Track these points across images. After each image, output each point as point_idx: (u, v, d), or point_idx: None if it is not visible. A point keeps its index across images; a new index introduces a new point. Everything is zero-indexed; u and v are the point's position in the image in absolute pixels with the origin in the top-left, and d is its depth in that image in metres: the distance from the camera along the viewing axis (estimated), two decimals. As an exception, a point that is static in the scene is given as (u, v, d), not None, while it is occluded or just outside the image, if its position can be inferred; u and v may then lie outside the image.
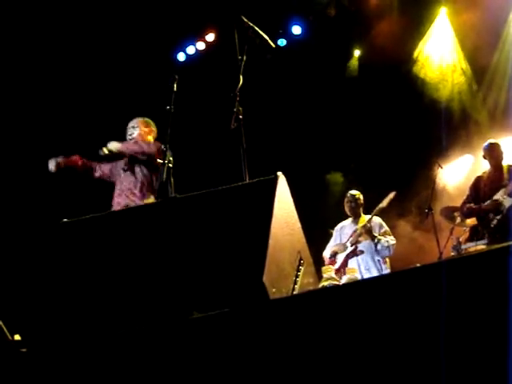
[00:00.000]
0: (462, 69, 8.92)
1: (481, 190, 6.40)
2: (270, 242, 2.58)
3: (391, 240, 6.66)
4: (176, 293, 2.56)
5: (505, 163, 6.45)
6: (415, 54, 9.11)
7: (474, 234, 6.57)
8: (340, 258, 6.59)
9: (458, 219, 6.75)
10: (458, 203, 6.69)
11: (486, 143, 6.59)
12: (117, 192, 5.31)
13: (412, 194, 8.25)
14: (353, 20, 9.25)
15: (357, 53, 9.81)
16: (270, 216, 2.65)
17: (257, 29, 4.00)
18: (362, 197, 6.90)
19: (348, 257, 6.53)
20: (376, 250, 6.63)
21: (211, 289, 2.52)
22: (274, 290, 2.49)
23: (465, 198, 6.50)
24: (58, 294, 2.76)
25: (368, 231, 6.64)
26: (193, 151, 8.11)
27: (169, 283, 2.60)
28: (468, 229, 6.78)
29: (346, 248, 6.65)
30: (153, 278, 2.63)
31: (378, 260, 6.63)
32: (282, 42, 9.71)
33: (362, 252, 6.62)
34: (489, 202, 6.22)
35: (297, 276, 2.82)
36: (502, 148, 6.52)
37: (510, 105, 8.11)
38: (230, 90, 3.78)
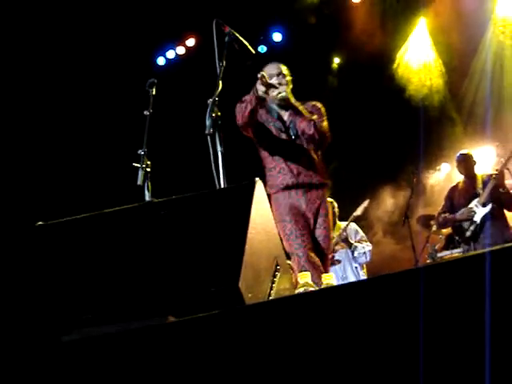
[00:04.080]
0: (439, 75, 9.01)
1: (455, 199, 6.48)
2: (247, 247, 2.58)
3: (367, 246, 6.70)
4: (151, 297, 2.55)
5: (479, 172, 6.53)
6: (394, 65, 9.19)
7: (450, 243, 6.65)
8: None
9: (434, 227, 6.82)
10: (435, 211, 6.76)
11: (458, 154, 6.69)
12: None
13: (386, 202, 8.30)
14: (333, 28, 9.31)
15: (336, 60, 9.87)
16: (246, 221, 2.65)
17: (237, 35, 4.01)
18: (336, 205, 6.94)
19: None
20: (353, 257, 6.67)
21: (187, 293, 2.51)
22: (250, 295, 2.49)
23: (440, 208, 6.58)
24: (30, 299, 2.73)
25: (344, 239, 6.67)
26: (170, 155, 8.09)
27: (144, 288, 2.58)
28: (444, 237, 6.85)
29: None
30: (128, 283, 2.61)
31: (356, 267, 6.66)
32: (262, 49, 9.74)
33: (338, 261, 6.64)
34: (463, 211, 6.29)
35: (273, 282, 2.82)
36: (474, 158, 6.62)
37: (485, 115, 8.21)
38: (209, 95, 3.78)
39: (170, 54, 9.67)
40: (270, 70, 4.37)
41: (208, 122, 3.62)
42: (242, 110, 4.20)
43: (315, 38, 9.20)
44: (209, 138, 3.63)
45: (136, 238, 2.73)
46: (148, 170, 3.77)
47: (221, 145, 3.61)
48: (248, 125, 4.29)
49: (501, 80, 8.86)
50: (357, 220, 6.93)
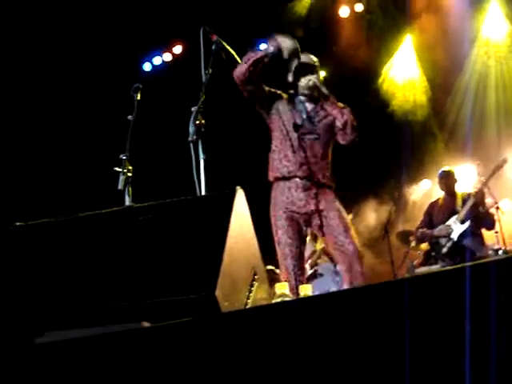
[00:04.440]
0: (423, 92, 9.09)
1: (434, 215, 6.53)
2: (225, 255, 2.58)
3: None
4: (127, 302, 2.54)
5: (459, 191, 6.59)
6: (379, 80, 9.25)
7: (428, 259, 6.68)
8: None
9: (413, 243, 6.86)
10: (414, 227, 6.80)
11: (440, 170, 6.74)
12: None
13: (368, 216, 8.33)
14: (320, 41, 9.36)
15: (322, 73, 9.91)
16: (226, 230, 2.65)
17: (224, 44, 4.02)
18: None
19: (307, 280, 6.55)
20: (335, 270, 6.68)
21: (163, 299, 2.50)
22: (226, 303, 2.49)
23: (419, 223, 6.63)
24: (4, 300, 2.71)
25: (328, 252, 6.70)
26: (153, 161, 8.07)
27: (120, 293, 2.57)
28: (423, 253, 6.89)
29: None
30: (104, 287, 2.60)
31: (338, 281, 6.68)
32: (248, 59, 9.75)
33: (321, 275, 6.65)
34: (441, 227, 6.34)
35: (250, 291, 2.82)
36: (456, 175, 6.67)
37: (467, 133, 8.29)
38: (194, 102, 3.78)
39: (157, 61, 9.67)
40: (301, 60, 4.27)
41: (191, 130, 3.62)
42: (244, 61, 4.03)
43: (302, 51, 9.24)
44: (192, 145, 3.63)
45: (114, 243, 2.72)
46: (129, 174, 3.76)
47: (203, 152, 3.61)
48: (248, 80, 4.07)
49: (484, 100, 8.96)
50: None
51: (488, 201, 6.54)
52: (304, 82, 4.22)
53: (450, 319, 1.83)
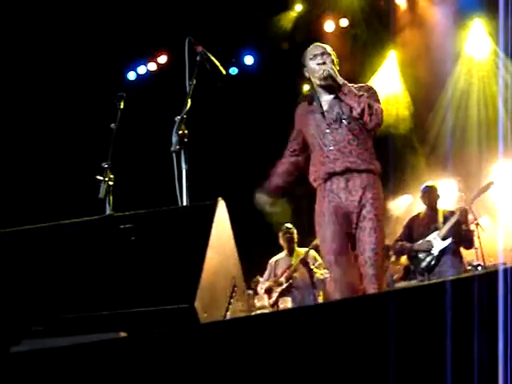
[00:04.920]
0: (405, 107, 9.16)
1: (415, 229, 6.56)
2: (205, 266, 2.56)
3: (326, 273, 6.74)
4: (104, 312, 2.52)
5: (441, 207, 6.64)
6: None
7: (407, 274, 6.71)
8: (275, 294, 6.61)
9: (393, 258, 6.89)
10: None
11: (423, 185, 6.78)
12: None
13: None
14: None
15: (306, 87, 9.97)
16: (206, 241, 2.64)
17: (209, 55, 4.02)
18: (296, 231, 7.00)
19: (283, 293, 6.54)
20: (312, 282, 6.69)
21: (141, 310, 2.48)
22: (205, 315, 2.48)
23: (398, 235, 6.65)
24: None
25: (305, 264, 6.71)
26: (135, 170, 8.05)
27: (97, 302, 2.55)
28: (402, 267, 6.92)
29: (280, 284, 6.68)
30: (81, 296, 2.57)
31: (313, 294, 6.69)
32: (233, 71, 9.81)
33: (297, 287, 6.66)
34: (422, 241, 6.37)
35: (229, 303, 2.81)
36: (439, 191, 6.73)
37: (448, 149, 8.36)
38: (178, 112, 3.78)
39: (141, 70, 9.68)
40: (313, 51, 4.26)
41: (174, 139, 3.61)
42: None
43: (286, 64, 9.29)
44: (174, 155, 3.62)
45: (93, 251, 2.70)
46: (110, 183, 3.74)
47: (186, 163, 3.60)
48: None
49: (465, 116, 9.06)
50: (316, 248, 6.97)
51: (469, 218, 6.59)
52: (318, 73, 4.15)
53: (431, 334, 1.83)
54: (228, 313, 2.75)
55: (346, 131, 4.08)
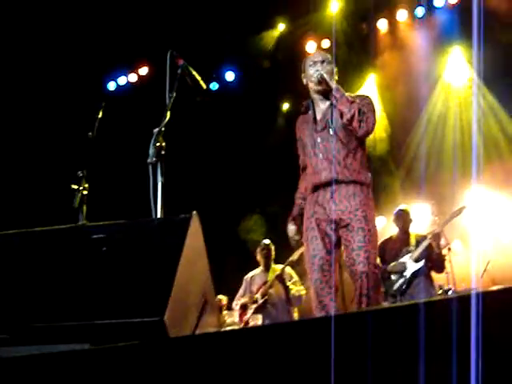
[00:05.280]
0: (383, 129, 9.23)
1: (387, 252, 6.60)
2: (177, 280, 2.55)
3: (302, 290, 6.75)
4: (72, 322, 2.49)
5: (413, 231, 6.70)
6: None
7: (379, 295, 6.72)
8: (250, 310, 6.58)
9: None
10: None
11: (397, 209, 6.84)
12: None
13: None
14: (286, 74, 9.47)
15: (285, 106, 10.02)
16: (179, 254, 2.63)
17: (191, 69, 4.02)
18: (273, 247, 7.01)
19: (258, 309, 6.52)
20: (287, 299, 6.69)
21: (110, 321, 2.46)
22: (174, 329, 2.46)
23: (371, 258, 6.66)
24: None
25: (281, 280, 6.72)
26: (111, 180, 8.01)
27: (65, 312, 2.52)
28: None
29: (256, 300, 6.66)
30: (49, 305, 2.54)
31: (289, 310, 6.68)
32: (214, 86, 9.84)
33: (272, 304, 6.65)
34: (395, 263, 6.41)
35: (199, 318, 2.79)
36: (411, 215, 6.79)
37: (422, 171, 8.43)
38: (156, 124, 3.77)
39: (122, 81, 9.67)
40: (313, 58, 4.23)
41: (151, 151, 3.60)
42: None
43: (267, 82, 9.34)
44: (150, 167, 3.61)
45: (63, 260, 2.67)
46: (85, 192, 3.71)
47: (162, 175, 3.58)
48: None
49: (442, 140, 9.16)
50: (292, 265, 6.98)
51: (441, 242, 6.64)
52: (313, 76, 4.12)
53: (404, 355, 1.84)
54: (197, 328, 2.74)
55: (336, 140, 4.02)
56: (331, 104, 4.11)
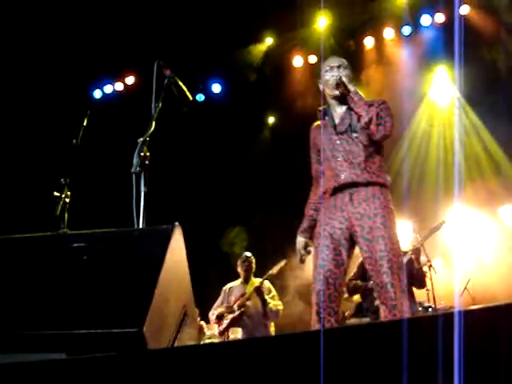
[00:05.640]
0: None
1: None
2: (157, 291, 2.53)
3: (279, 305, 6.74)
4: (48, 331, 2.45)
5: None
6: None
7: (359, 311, 6.73)
8: (226, 321, 6.56)
9: (346, 295, 6.90)
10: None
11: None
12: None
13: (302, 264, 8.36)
14: (272, 87, 9.50)
15: (271, 119, 10.05)
16: (160, 265, 2.60)
17: (177, 79, 4.02)
18: (254, 260, 7.01)
19: (234, 320, 6.50)
20: (264, 312, 6.67)
21: (88, 331, 2.43)
22: (153, 341, 2.44)
23: (352, 274, 6.68)
24: None
25: (259, 293, 6.70)
26: (93, 189, 7.96)
27: (42, 321, 2.48)
28: (354, 305, 6.94)
29: (232, 311, 6.64)
30: (25, 313, 2.51)
31: (265, 324, 6.66)
32: (200, 97, 9.85)
33: (249, 316, 6.63)
34: (375, 281, 6.40)
35: (179, 330, 2.77)
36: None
37: (404, 188, 8.47)
38: (141, 134, 3.76)
39: (108, 89, 9.65)
40: (329, 63, 4.22)
41: (135, 161, 3.58)
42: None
43: (253, 95, 9.36)
44: (134, 176, 3.59)
45: (42, 268, 2.64)
46: (67, 200, 3.69)
47: (145, 185, 3.57)
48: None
49: (425, 159, 9.22)
50: (271, 279, 6.98)
51: (422, 259, 6.66)
52: (330, 80, 4.11)
53: (387, 372, 1.83)
54: (176, 340, 2.71)
55: (355, 142, 4.01)
56: (348, 108, 4.11)
